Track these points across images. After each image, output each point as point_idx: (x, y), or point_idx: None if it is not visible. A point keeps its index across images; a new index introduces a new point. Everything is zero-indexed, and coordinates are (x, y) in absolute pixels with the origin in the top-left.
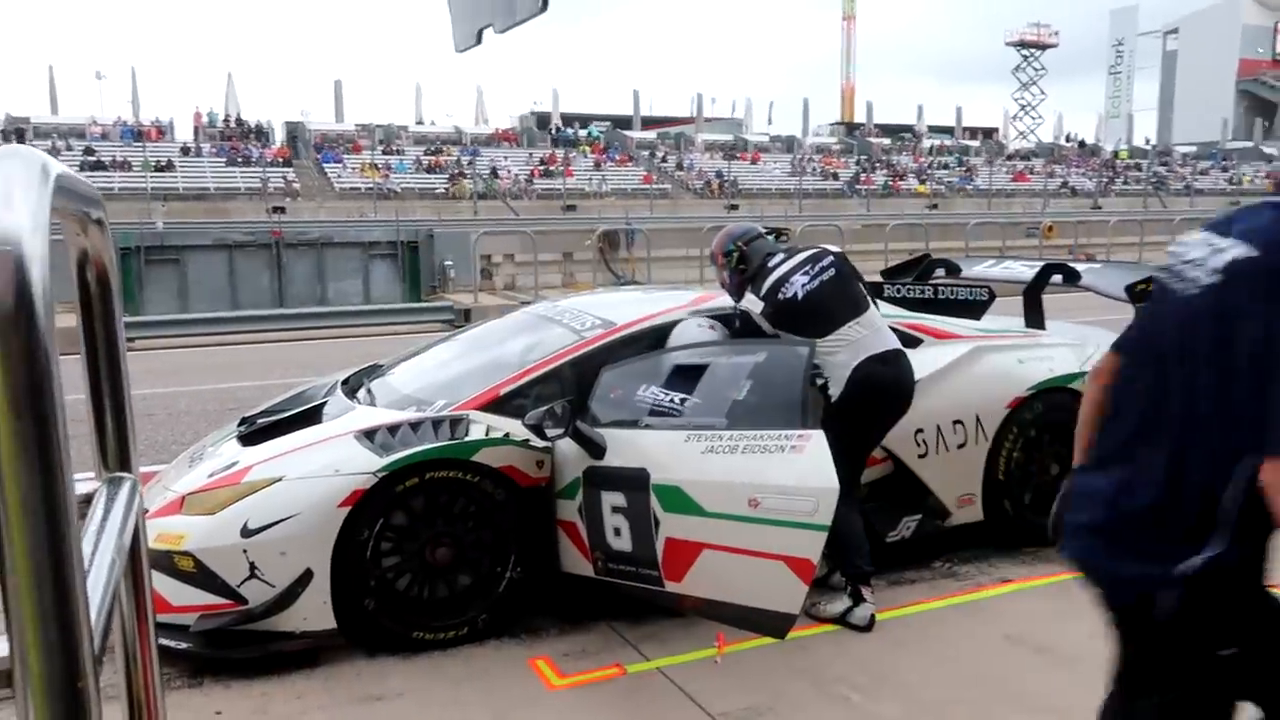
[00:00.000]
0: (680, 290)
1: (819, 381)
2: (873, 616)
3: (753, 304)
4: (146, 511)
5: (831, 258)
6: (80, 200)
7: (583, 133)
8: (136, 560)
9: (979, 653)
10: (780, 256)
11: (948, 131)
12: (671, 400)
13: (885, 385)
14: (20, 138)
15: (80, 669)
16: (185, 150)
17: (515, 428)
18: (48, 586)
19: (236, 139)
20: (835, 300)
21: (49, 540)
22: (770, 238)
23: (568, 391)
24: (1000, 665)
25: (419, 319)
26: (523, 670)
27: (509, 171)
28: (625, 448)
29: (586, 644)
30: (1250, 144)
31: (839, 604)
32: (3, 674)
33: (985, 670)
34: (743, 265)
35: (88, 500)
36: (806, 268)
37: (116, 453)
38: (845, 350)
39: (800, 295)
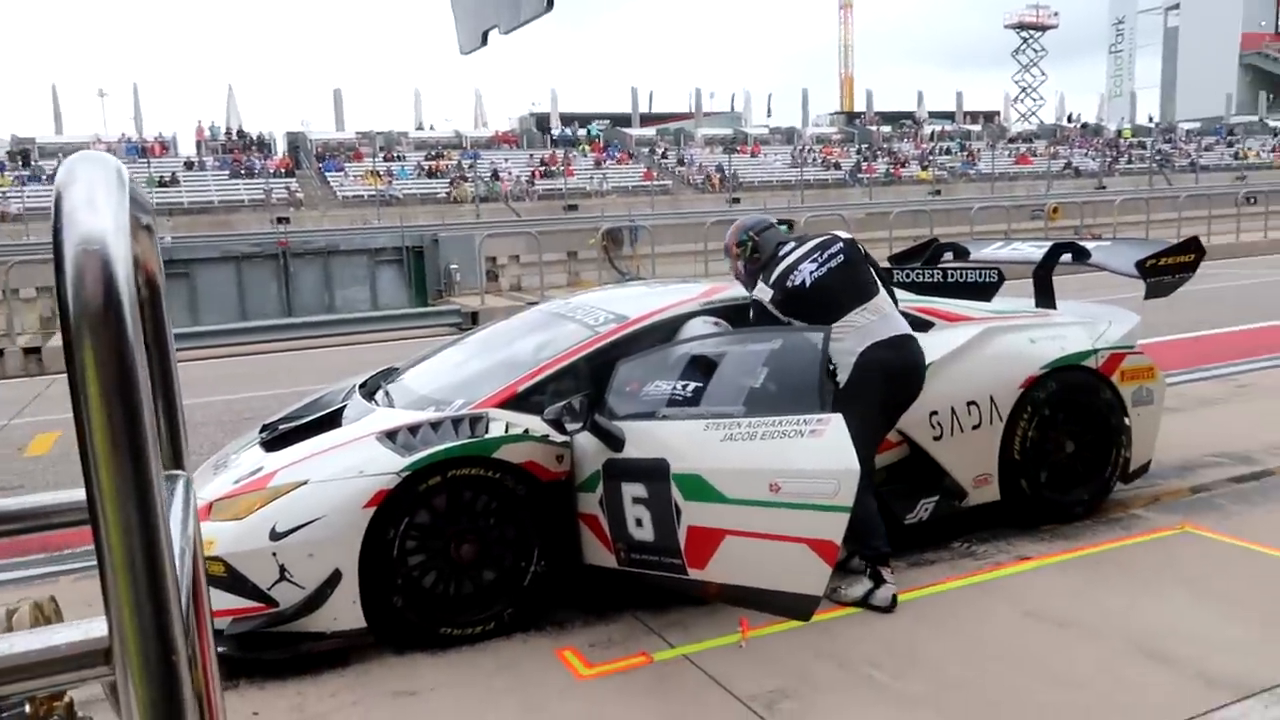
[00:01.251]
0: (690, 283)
1: (830, 367)
2: (894, 597)
3: (763, 292)
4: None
5: (841, 244)
6: (135, 206)
7: (582, 132)
8: (196, 557)
9: (1001, 630)
10: (791, 245)
11: (949, 117)
12: (688, 390)
13: (892, 370)
14: (26, 159)
15: (173, 645)
16: (189, 165)
17: (534, 423)
18: (142, 568)
19: (239, 151)
20: (842, 288)
21: (141, 525)
22: (782, 228)
23: (584, 386)
24: (1022, 641)
25: (427, 323)
26: (551, 662)
27: (510, 173)
28: (644, 439)
29: (612, 634)
30: (1255, 118)
31: (860, 587)
32: (102, 652)
33: (1008, 647)
34: (755, 255)
35: None
36: (815, 255)
37: (169, 451)
38: (851, 337)
39: (808, 283)
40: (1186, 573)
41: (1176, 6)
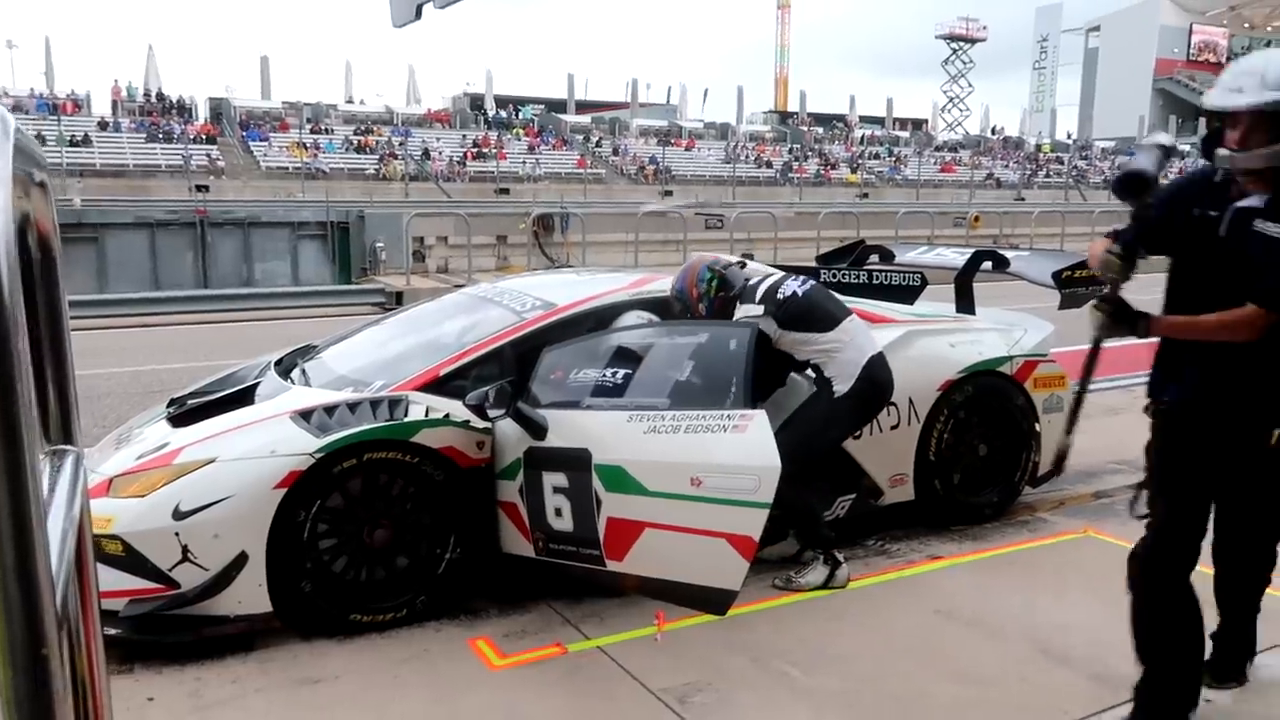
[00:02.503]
0: (620, 273)
1: (825, 374)
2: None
3: (753, 311)
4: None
5: (804, 275)
6: (26, 160)
7: (517, 115)
8: (82, 537)
9: (911, 626)
10: (759, 273)
11: (879, 122)
12: (614, 381)
13: (885, 384)
14: None
15: (44, 637)
16: (103, 125)
17: (456, 408)
18: (9, 552)
19: (157, 114)
20: (827, 299)
21: (11, 507)
22: (744, 261)
23: (508, 372)
24: (932, 638)
25: (349, 301)
26: (463, 651)
27: (441, 153)
28: (567, 428)
29: (526, 624)
30: None
31: (818, 573)
32: None
33: (917, 643)
34: (723, 290)
35: None
36: (791, 276)
37: (60, 424)
38: (850, 348)
39: (800, 293)
40: (1087, 575)
41: (1098, 29)
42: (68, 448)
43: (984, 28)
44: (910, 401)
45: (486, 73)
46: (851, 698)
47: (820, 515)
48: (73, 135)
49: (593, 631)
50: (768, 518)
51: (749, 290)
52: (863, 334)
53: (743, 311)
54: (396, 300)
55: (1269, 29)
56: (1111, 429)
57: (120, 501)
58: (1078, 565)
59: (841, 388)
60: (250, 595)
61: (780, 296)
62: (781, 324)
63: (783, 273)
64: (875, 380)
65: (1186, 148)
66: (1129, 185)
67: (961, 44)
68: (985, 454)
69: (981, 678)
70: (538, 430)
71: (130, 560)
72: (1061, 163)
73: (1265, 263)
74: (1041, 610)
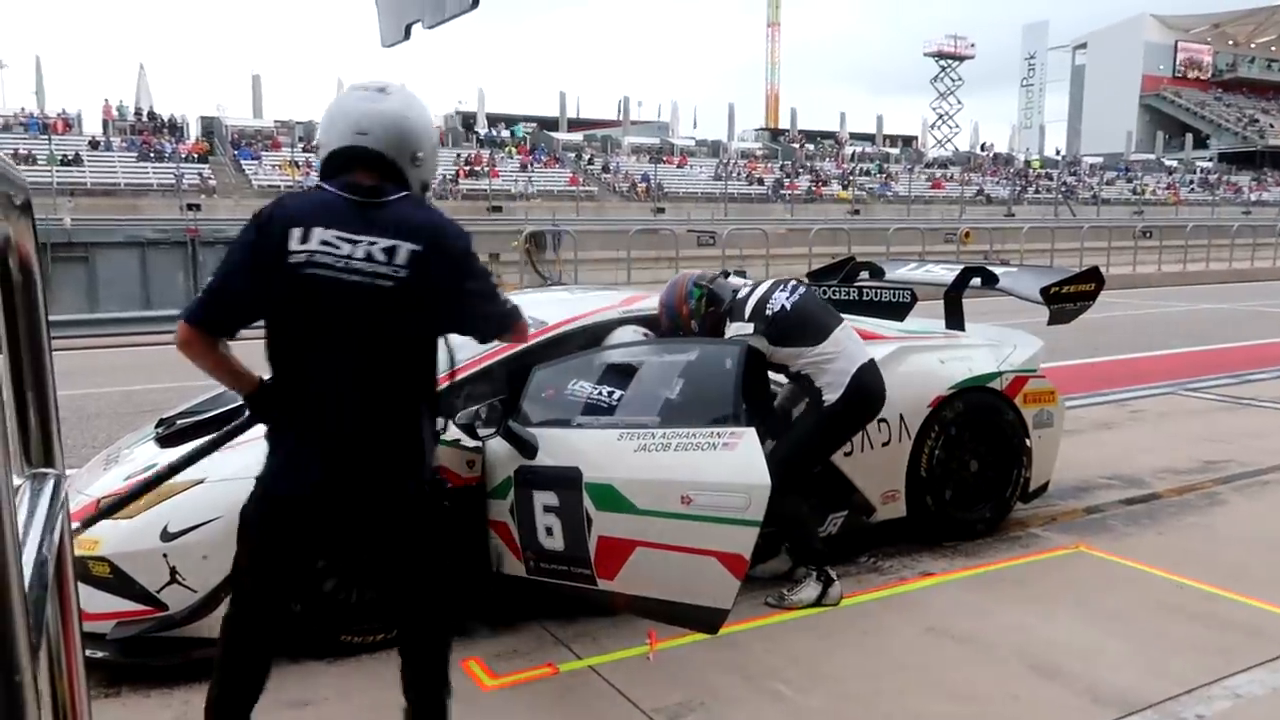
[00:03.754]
0: (611, 290)
1: (815, 385)
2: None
3: (743, 329)
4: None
5: (794, 280)
6: (6, 183)
7: (508, 133)
8: (62, 560)
9: (903, 644)
10: (747, 286)
11: (869, 139)
12: (604, 399)
13: (876, 391)
14: None
15: (16, 663)
16: (94, 144)
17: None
18: None
19: (149, 133)
20: (819, 309)
21: None
22: (735, 278)
23: (499, 391)
24: (923, 656)
25: None
26: (454, 672)
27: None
28: (558, 447)
29: (518, 644)
30: (1152, 156)
31: (811, 590)
32: None
33: (908, 661)
34: (712, 305)
35: None
36: (780, 286)
37: (41, 448)
38: (841, 357)
39: (788, 307)
40: (1080, 591)
41: (1084, 46)
42: (48, 471)
43: (972, 45)
44: (901, 418)
45: (479, 91)
46: (843, 716)
47: (814, 529)
48: (64, 154)
49: (585, 651)
50: (760, 534)
51: (738, 305)
52: (854, 341)
53: (733, 329)
54: None
55: (1252, 45)
56: (1104, 443)
57: (108, 523)
58: (1069, 581)
59: (831, 397)
60: None
61: (769, 313)
62: (773, 341)
63: (771, 282)
64: (865, 388)
65: (1174, 163)
66: None
67: (950, 61)
68: (977, 470)
69: (973, 695)
70: (528, 449)
71: (118, 582)
72: (1051, 179)
73: None
74: (1033, 627)
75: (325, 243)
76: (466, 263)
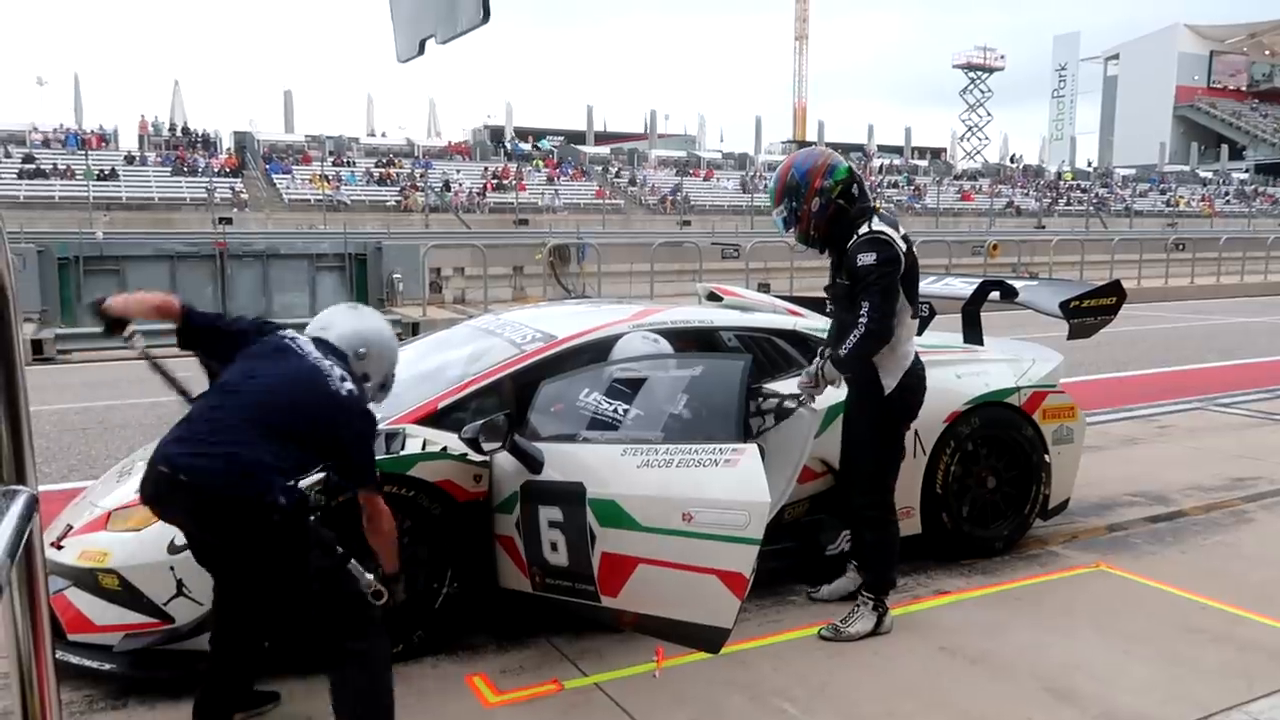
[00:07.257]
0: (622, 304)
1: (874, 371)
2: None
3: (889, 232)
4: (66, 528)
5: None
6: None
7: (536, 147)
8: (33, 577)
9: (914, 664)
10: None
11: (897, 151)
12: (610, 414)
13: (923, 382)
14: None
15: None
16: (129, 159)
17: (453, 441)
18: None
19: (183, 148)
20: (917, 272)
21: None
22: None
23: (506, 405)
24: (935, 676)
25: None
26: (459, 688)
27: (461, 185)
28: (563, 462)
29: (524, 660)
30: (1186, 168)
31: (866, 621)
32: None
33: (920, 681)
34: (845, 200)
35: None
36: (901, 231)
37: (12, 465)
38: (910, 341)
39: (906, 251)
40: (1098, 611)
41: (1116, 57)
42: (19, 488)
43: (1002, 57)
44: (916, 433)
45: (506, 105)
46: None
47: (896, 555)
48: (100, 169)
49: (591, 668)
50: (826, 554)
51: (886, 218)
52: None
53: (881, 226)
54: (413, 331)
55: None
56: (1129, 459)
57: (117, 535)
58: (1088, 601)
59: (890, 383)
60: None
61: (891, 246)
62: (903, 278)
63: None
64: (919, 374)
65: (1209, 175)
66: None
67: (979, 73)
68: (994, 486)
69: (985, 717)
70: (534, 464)
71: (126, 594)
72: (1082, 191)
73: None
74: (1049, 647)
75: None
76: None
